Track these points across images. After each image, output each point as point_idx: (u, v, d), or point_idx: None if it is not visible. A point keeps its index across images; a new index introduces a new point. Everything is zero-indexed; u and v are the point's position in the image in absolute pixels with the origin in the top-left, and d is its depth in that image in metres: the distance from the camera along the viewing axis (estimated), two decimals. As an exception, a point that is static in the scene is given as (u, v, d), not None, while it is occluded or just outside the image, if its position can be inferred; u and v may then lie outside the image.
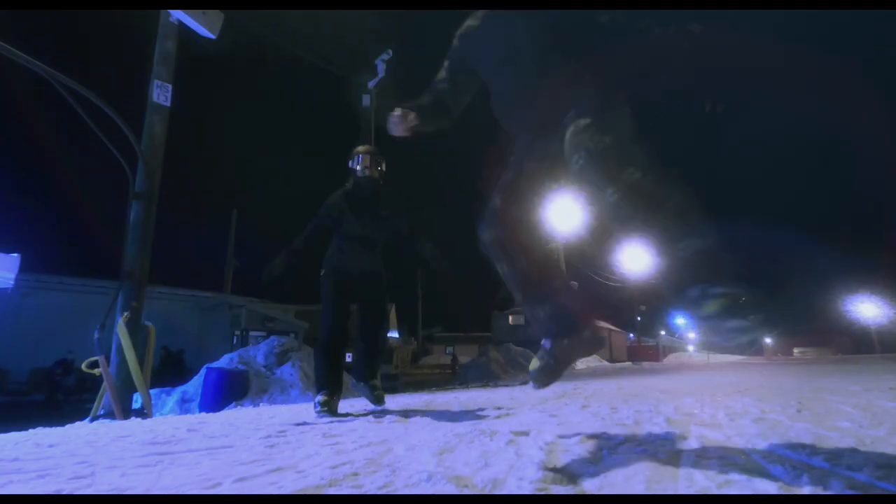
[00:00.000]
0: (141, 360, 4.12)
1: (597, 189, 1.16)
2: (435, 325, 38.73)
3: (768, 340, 46.99)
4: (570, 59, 1.34)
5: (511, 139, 1.53)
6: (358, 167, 2.85)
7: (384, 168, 2.96)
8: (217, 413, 3.74)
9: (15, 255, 9.72)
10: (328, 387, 2.69)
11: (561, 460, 1.18)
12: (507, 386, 6.41)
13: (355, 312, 2.95)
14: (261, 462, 1.29)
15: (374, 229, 2.96)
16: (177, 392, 6.22)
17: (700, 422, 1.79)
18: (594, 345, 1.43)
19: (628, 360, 25.91)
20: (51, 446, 1.76)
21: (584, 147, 1.19)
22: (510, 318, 30.69)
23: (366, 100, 7.58)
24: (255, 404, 5.26)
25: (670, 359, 32.21)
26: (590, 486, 0.92)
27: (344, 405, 3.19)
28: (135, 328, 4.24)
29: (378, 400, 2.91)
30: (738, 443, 1.34)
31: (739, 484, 0.90)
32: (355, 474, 1.09)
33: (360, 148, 2.96)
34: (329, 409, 2.59)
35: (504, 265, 1.41)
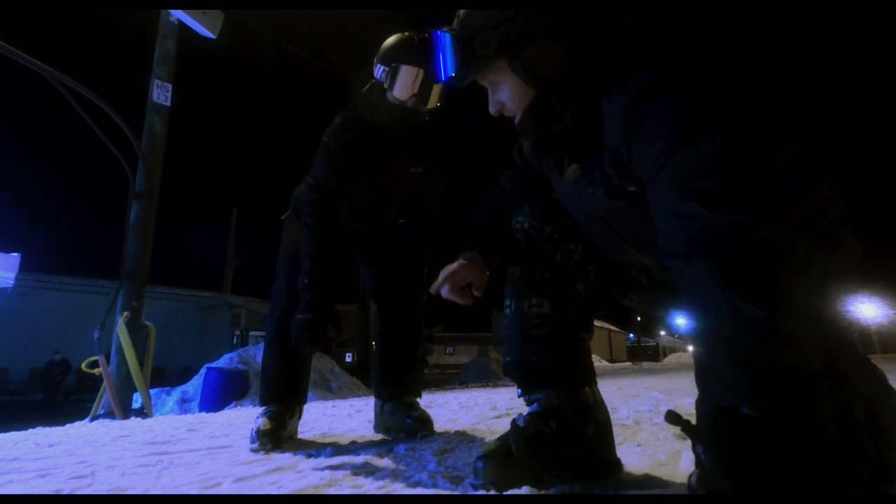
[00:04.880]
0: (141, 360, 4.13)
1: None
2: (435, 325, 38.68)
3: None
4: None
5: None
6: (395, 84, 1.50)
7: (441, 98, 1.57)
8: (217, 413, 3.74)
9: (15, 254, 9.72)
10: (279, 400, 1.66)
11: (561, 460, 1.17)
12: (506, 386, 6.41)
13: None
14: (261, 462, 1.29)
15: (390, 194, 1.80)
16: (177, 392, 6.23)
17: (700, 422, 1.78)
18: None
19: (628, 360, 25.95)
20: (51, 446, 1.76)
21: None
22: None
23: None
24: (255, 404, 5.27)
25: (670, 359, 32.19)
26: (589, 487, 0.92)
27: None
28: (135, 328, 4.24)
29: (419, 427, 1.67)
30: (738, 443, 1.33)
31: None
32: (355, 474, 1.09)
33: (399, 43, 1.52)
34: (272, 441, 1.49)
35: None
